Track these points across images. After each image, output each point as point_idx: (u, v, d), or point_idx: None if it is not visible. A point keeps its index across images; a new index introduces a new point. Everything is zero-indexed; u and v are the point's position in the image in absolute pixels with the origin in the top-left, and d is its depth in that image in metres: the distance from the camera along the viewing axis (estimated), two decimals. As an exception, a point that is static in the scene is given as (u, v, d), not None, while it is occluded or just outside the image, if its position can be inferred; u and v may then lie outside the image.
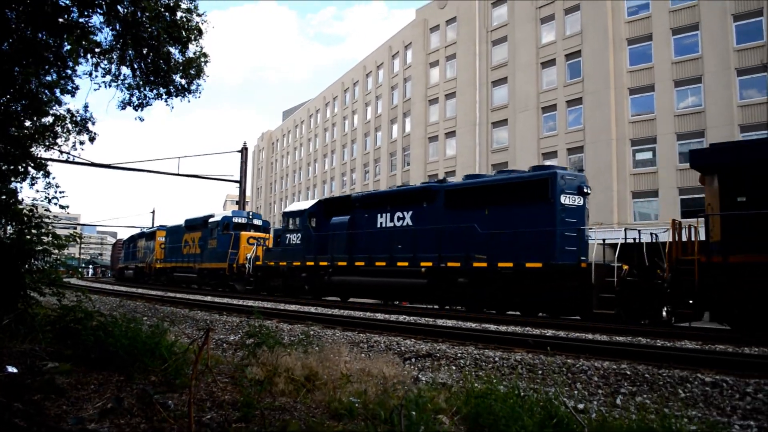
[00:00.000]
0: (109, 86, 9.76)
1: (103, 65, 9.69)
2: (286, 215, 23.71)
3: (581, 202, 15.01)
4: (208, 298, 20.86)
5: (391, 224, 18.81)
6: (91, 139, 10.66)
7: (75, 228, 66.28)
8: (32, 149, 10.21)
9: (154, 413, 4.26)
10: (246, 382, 5.17)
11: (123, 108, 9.87)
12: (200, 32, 9.49)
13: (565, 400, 4.93)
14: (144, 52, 9.28)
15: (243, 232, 27.92)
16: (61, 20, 8.61)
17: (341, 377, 5.77)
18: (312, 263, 21.23)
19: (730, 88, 31.88)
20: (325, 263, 20.73)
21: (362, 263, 19.30)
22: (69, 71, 9.78)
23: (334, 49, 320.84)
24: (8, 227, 8.77)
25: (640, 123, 35.40)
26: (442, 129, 49.09)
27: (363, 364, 6.66)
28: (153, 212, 66.95)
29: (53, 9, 8.22)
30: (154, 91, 9.86)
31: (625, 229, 14.84)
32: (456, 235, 16.38)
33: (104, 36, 9.60)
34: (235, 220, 29.03)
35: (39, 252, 7.93)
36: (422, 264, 17.15)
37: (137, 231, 48.82)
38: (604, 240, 14.89)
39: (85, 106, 13.20)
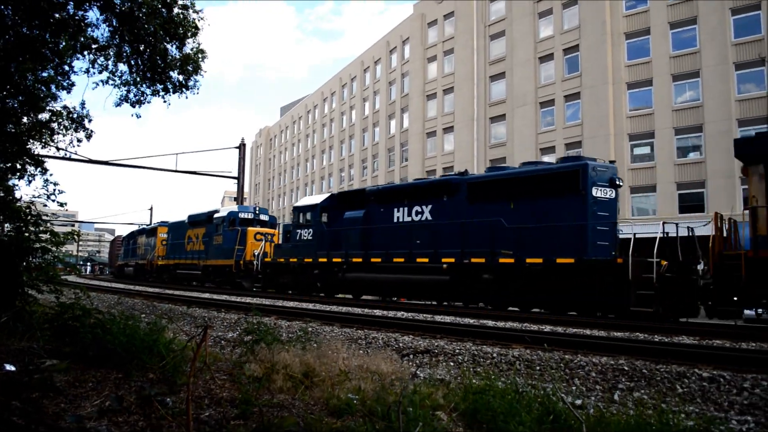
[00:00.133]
0: (107, 83, 9.74)
1: (99, 62, 9.67)
2: (297, 210, 22.94)
3: (613, 195, 14.43)
4: (206, 295, 20.85)
5: (409, 219, 18.19)
6: (88, 137, 10.66)
7: (73, 225, 66.21)
8: (29, 146, 10.20)
9: (152, 411, 4.26)
10: (244, 379, 5.17)
11: (119, 104, 9.84)
12: (197, 29, 9.46)
13: (563, 395, 4.95)
14: (141, 48, 9.25)
15: (250, 228, 27.21)
16: (57, 16, 8.59)
17: (339, 374, 5.77)
18: (325, 260, 20.58)
19: (728, 82, 31.89)
20: (338, 260, 20.10)
21: (379, 259, 18.67)
22: (66, 67, 9.77)
23: (332, 44, 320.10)
24: (6, 225, 8.76)
25: (638, 118, 35.41)
26: (440, 124, 49.05)
27: (361, 360, 6.67)
28: (151, 209, 66.62)
29: (49, 5, 8.19)
30: (151, 88, 9.83)
31: (663, 223, 13.86)
32: (480, 230, 15.79)
33: (101, 32, 9.58)
34: (242, 215, 28.28)
35: (37, 249, 7.92)
36: (444, 260, 16.60)
37: (135, 228, 48.62)
38: (634, 234, 13.74)
39: (82, 103, 13.19)
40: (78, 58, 9.75)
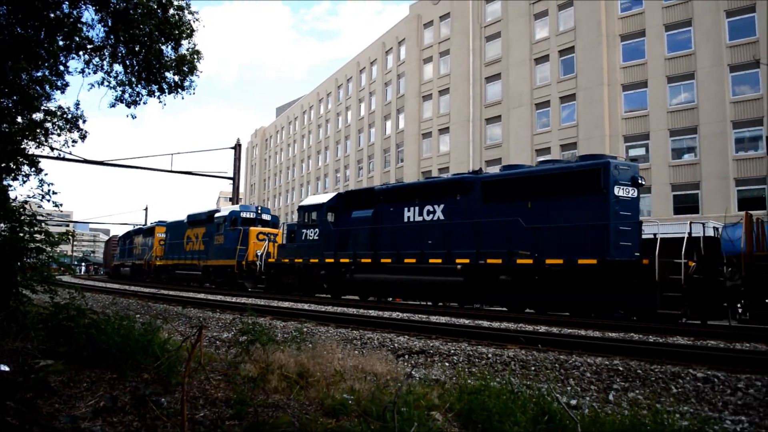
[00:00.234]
0: (102, 84, 9.72)
1: (94, 62, 9.65)
2: (302, 209, 22.32)
3: (635, 194, 14.05)
4: (202, 296, 20.80)
5: (420, 218, 17.69)
6: (82, 138, 10.62)
7: (68, 225, 65.99)
8: (24, 146, 10.16)
9: (147, 411, 4.25)
10: (239, 379, 5.16)
11: (114, 105, 9.82)
12: (192, 30, 9.45)
13: (558, 396, 4.95)
14: (136, 49, 9.24)
15: (252, 228, 26.65)
16: (52, 15, 8.57)
17: (334, 374, 5.77)
18: (332, 260, 20.04)
19: (722, 84, 32.03)
20: (346, 260, 19.56)
21: (389, 260, 18.15)
22: (60, 67, 9.74)
23: (328, 44, 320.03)
24: (0, 225, 8.72)
25: (633, 119, 35.53)
26: (435, 125, 49.11)
27: (356, 360, 6.67)
28: (146, 209, 66.45)
29: (44, 4, 8.17)
30: (147, 89, 9.81)
31: (690, 223, 13.25)
32: (496, 230, 15.37)
33: (96, 32, 9.56)
34: (243, 215, 27.72)
35: (31, 250, 7.90)
36: (458, 261, 16.09)
37: (131, 228, 48.32)
38: (654, 234, 13.43)
39: (76, 104, 13.15)
40: (73, 58, 9.74)
